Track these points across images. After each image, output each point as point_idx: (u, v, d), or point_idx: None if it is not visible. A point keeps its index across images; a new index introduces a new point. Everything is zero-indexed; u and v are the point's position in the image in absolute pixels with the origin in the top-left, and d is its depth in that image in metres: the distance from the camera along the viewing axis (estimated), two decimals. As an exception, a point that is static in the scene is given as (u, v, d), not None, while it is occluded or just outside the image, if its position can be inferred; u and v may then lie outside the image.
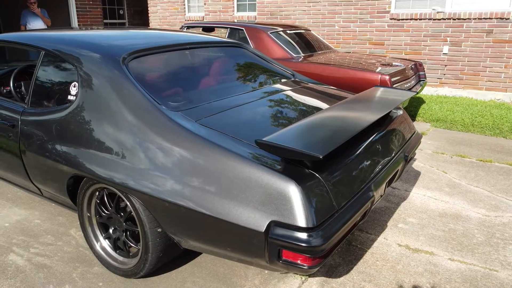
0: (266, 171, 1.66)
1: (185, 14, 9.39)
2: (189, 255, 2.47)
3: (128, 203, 2.02)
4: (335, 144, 1.65)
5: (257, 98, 2.44)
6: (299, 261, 1.62)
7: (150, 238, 1.99)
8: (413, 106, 6.09)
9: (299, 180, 1.63)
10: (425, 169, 3.91)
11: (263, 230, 1.61)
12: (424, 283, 2.26)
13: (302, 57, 4.99)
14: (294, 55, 4.99)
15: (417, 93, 5.43)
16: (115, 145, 2.02)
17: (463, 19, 6.32)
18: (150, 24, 9.81)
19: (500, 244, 2.66)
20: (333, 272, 2.34)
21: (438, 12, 6.49)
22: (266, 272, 2.33)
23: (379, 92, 2.73)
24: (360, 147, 2.09)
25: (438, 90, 6.76)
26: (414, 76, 5.31)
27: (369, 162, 2.08)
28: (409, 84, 5.03)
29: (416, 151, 4.42)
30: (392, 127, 2.49)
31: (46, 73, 2.51)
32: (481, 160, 4.19)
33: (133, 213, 2.03)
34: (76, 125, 2.20)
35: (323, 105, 2.50)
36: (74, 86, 2.35)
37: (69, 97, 2.36)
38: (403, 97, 2.57)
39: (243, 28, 5.28)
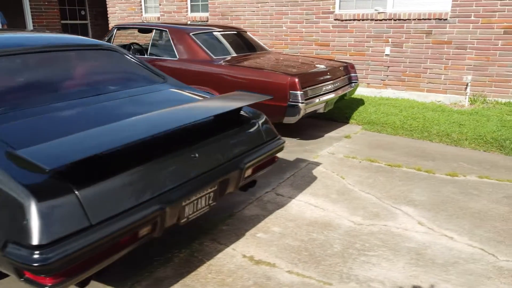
0: (9, 185, 1.57)
1: (142, 15, 9.31)
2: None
3: None
4: (83, 155, 1.56)
5: (83, 105, 2.35)
6: (39, 280, 1.53)
7: None
8: (350, 108, 5.99)
9: (39, 194, 1.54)
10: (324, 175, 3.81)
11: (-1, 248, 1.52)
12: (244, 297, 2.17)
13: (222, 60, 4.89)
14: (214, 58, 4.90)
15: (346, 95, 5.35)
16: None
17: (403, 19, 6.21)
18: (109, 25, 9.74)
19: (353, 255, 2.56)
20: (157, 284, 2.24)
21: (379, 13, 6.38)
22: (86, 285, 2.24)
23: (230, 95, 2.64)
24: (162, 156, 2.00)
25: (381, 91, 6.65)
26: (341, 78, 5.20)
27: (170, 171, 1.99)
28: (332, 86, 4.93)
29: (326, 155, 4.32)
30: (227, 135, 2.39)
31: None
32: (390, 165, 4.09)
33: None
34: None
35: (153, 111, 2.39)
36: None
37: None
38: (248, 101, 2.47)
39: (167, 30, 5.19)
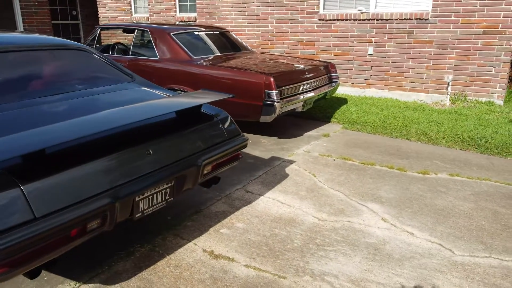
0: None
1: (131, 15, 9.37)
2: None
3: None
4: (22, 151, 1.61)
5: (46, 103, 2.41)
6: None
7: None
8: (332, 108, 6.04)
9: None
10: (297, 172, 3.87)
11: None
12: (198, 290, 2.22)
13: (202, 60, 4.95)
14: (194, 57, 4.95)
15: (327, 94, 5.40)
16: None
17: (385, 19, 6.27)
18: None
19: (312, 250, 2.62)
20: (115, 277, 2.30)
21: (362, 13, 6.44)
22: (45, 278, 2.30)
23: (193, 94, 2.70)
24: (114, 152, 2.05)
25: (365, 91, 6.71)
26: (321, 77, 5.26)
27: (121, 167, 2.04)
28: (310, 85, 4.99)
29: (302, 154, 4.37)
30: (185, 132, 2.45)
31: None
32: (363, 163, 4.15)
33: None
34: None
35: (107, 110, 2.44)
36: None
37: None
38: (208, 99, 2.53)
39: (148, 30, 5.25)
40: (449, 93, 6.03)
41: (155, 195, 2.23)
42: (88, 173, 1.91)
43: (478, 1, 5.56)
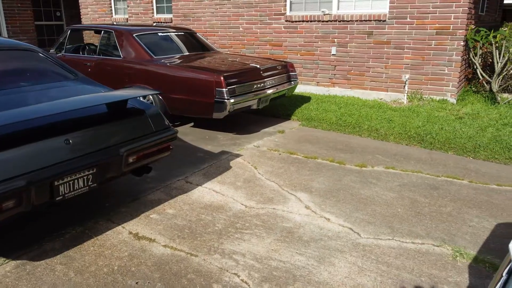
0: None
1: (112, 16, 9.65)
2: None
3: None
4: None
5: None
6: None
7: None
8: (294, 105, 6.29)
9: None
10: (240, 165, 4.12)
11: None
12: (115, 265, 2.47)
13: (162, 59, 5.20)
14: (155, 57, 5.21)
15: (286, 93, 5.65)
16: None
17: (347, 21, 6.52)
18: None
19: (230, 233, 2.87)
20: (41, 255, 2.56)
21: (325, 14, 6.69)
22: (-21, 256, 2.55)
23: (124, 89, 2.96)
24: (34, 140, 2.31)
25: (329, 90, 6.96)
26: (278, 76, 5.50)
27: (41, 154, 2.30)
28: (265, 83, 5.23)
29: (251, 148, 4.63)
30: (109, 124, 2.71)
31: None
32: (306, 157, 4.40)
33: None
34: None
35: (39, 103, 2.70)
36: None
37: None
38: (135, 95, 2.78)
39: (113, 31, 5.51)
40: (406, 92, 6.28)
41: (76, 180, 2.48)
42: (5, 158, 2.16)
43: (431, 4, 5.81)
